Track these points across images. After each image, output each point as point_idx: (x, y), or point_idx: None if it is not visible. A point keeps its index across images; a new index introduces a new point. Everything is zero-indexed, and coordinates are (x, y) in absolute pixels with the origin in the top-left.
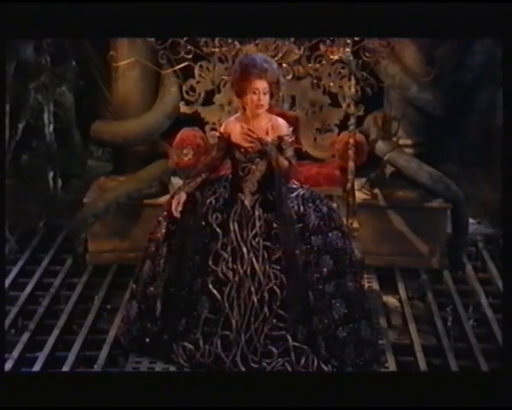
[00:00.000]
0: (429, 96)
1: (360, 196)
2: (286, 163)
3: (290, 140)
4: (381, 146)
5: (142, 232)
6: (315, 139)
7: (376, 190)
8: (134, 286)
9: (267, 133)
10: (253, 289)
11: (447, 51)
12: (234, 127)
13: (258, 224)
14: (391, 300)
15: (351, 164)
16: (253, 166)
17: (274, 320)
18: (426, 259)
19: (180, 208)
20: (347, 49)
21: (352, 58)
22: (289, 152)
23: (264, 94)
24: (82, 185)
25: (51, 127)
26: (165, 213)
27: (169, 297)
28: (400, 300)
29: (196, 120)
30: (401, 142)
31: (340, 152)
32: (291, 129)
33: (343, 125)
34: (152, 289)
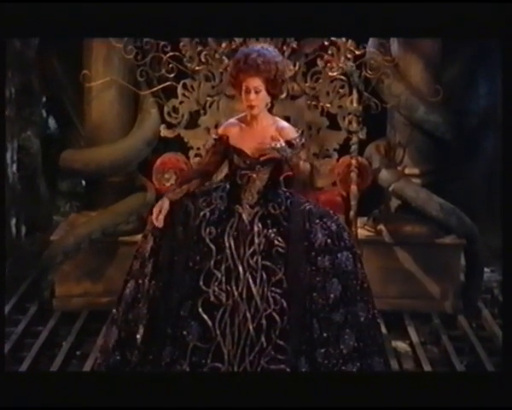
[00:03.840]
0: (438, 118)
1: (363, 232)
2: (308, 166)
3: (301, 143)
4: (385, 175)
5: (118, 273)
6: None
7: (381, 226)
8: (115, 311)
9: (272, 138)
10: (248, 314)
11: (455, 76)
12: (233, 129)
13: (256, 240)
14: (400, 345)
15: (353, 188)
16: (254, 175)
17: (272, 352)
18: (438, 302)
19: (162, 217)
20: (349, 56)
21: (354, 68)
22: (304, 155)
23: (257, 93)
24: (47, 240)
25: (14, 167)
26: (149, 225)
27: (153, 322)
28: (411, 344)
29: (179, 145)
30: (407, 171)
31: (341, 176)
32: (300, 131)
33: (343, 150)
34: (135, 312)
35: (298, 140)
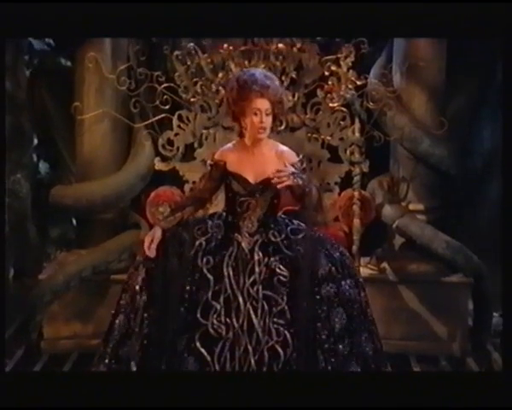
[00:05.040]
0: (443, 151)
1: (365, 271)
2: (315, 191)
3: (302, 168)
4: (388, 211)
5: (109, 314)
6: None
7: (384, 264)
8: (102, 348)
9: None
10: (249, 347)
11: (459, 111)
12: (231, 154)
13: (257, 269)
14: None
15: (356, 222)
16: (254, 201)
17: None
18: (445, 344)
19: (154, 246)
20: (350, 87)
21: (355, 97)
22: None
23: (267, 115)
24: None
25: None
26: (141, 257)
27: (147, 359)
28: None
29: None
30: (412, 206)
31: (343, 209)
32: (301, 156)
33: (344, 184)
34: (126, 349)
35: (299, 164)
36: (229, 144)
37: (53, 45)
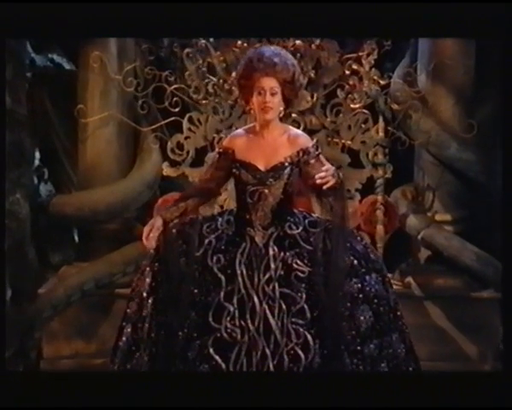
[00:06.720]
0: (472, 156)
1: None
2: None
3: (317, 153)
4: (413, 222)
5: (113, 331)
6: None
7: (409, 279)
8: (110, 361)
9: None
10: (267, 351)
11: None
12: (239, 140)
13: (272, 265)
14: None
15: (379, 228)
16: (266, 190)
17: None
18: (474, 364)
19: (153, 235)
20: (373, 85)
21: (379, 92)
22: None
23: (273, 95)
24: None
25: None
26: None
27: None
28: None
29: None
30: (438, 217)
31: (365, 215)
32: (315, 140)
33: (366, 191)
34: (134, 362)
35: (313, 149)
36: (240, 129)
37: (56, 61)
